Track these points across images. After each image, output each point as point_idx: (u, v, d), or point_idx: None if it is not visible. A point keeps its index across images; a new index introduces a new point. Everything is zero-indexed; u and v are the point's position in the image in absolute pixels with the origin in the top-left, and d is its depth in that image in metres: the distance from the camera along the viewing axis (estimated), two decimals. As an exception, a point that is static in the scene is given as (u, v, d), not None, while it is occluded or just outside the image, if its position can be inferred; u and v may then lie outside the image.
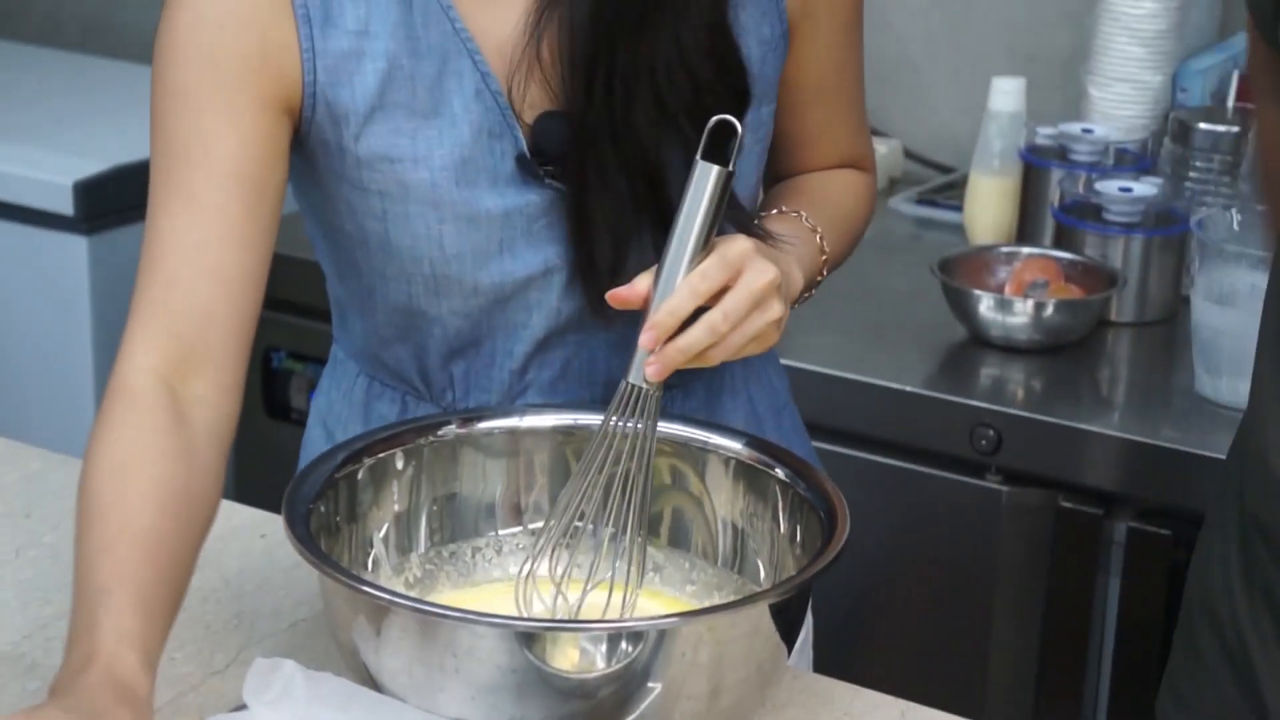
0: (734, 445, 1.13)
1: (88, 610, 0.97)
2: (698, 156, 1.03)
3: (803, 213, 1.21)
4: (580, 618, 1.05)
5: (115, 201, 2.22)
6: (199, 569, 1.18)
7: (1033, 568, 1.71)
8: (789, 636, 1.02)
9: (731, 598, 1.10)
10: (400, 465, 1.12)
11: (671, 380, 1.06)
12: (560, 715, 0.96)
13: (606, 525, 1.05)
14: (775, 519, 1.11)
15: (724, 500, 1.13)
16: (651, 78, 1.09)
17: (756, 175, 1.22)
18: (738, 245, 1.04)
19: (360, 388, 1.24)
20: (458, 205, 1.12)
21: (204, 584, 1.21)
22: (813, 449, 1.34)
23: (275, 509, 1.22)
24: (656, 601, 1.11)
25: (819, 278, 1.21)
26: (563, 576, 1.06)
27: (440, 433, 1.13)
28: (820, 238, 1.20)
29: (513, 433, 1.15)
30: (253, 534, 1.28)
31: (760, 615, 0.98)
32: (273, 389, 2.11)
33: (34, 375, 2.28)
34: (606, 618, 1.04)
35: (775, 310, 1.05)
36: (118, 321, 2.25)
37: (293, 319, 2.01)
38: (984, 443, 1.68)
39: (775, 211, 1.21)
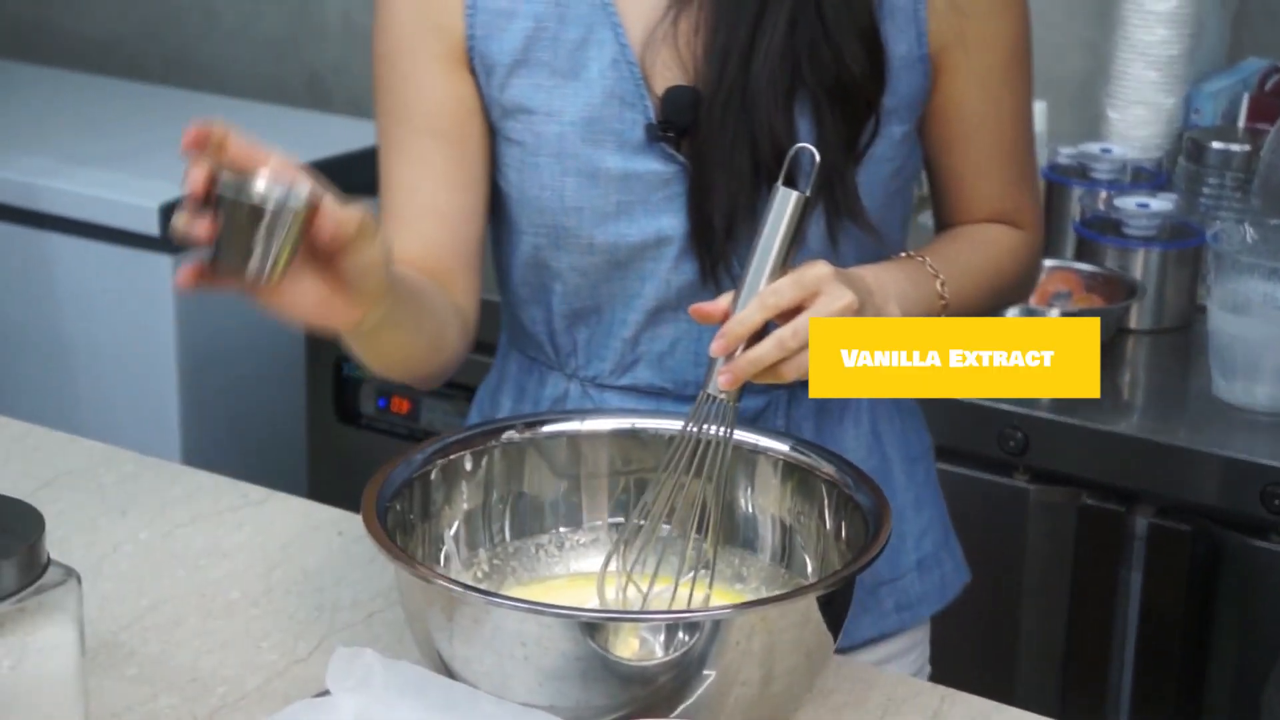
0: (781, 447, 1.12)
1: None
2: (778, 183, 1.03)
3: (926, 258, 1.15)
4: (648, 609, 1.04)
5: (197, 223, 2.25)
6: (280, 564, 1.22)
7: (1058, 562, 1.69)
8: (835, 627, 1.01)
9: (781, 591, 1.09)
10: (470, 467, 1.12)
11: (781, 387, 1.03)
12: (621, 701, 0.95)
13: (688, 529, 1.04)
14: (821, 517, 1.10)
15: (772, 499, 1.12)
16: (793, 55, 1.08)
17: (885, 196, 1.16)
18: (815, 269, 1.02)
19: (512, 362, 1.26)
20: (580, 160, 1.13)
21: (286, 578, 1.21)
22: (945, 510, 1.28)
23: (348, 508, 1.23)
24: (711, 595, 1.09)
25: None
26: (634, 571, 1.05)
27: (506, 436, 1.13)
28: (940, 284, 1.14)
29: (574, 437, 1.14)
30: (330, 531, 1.28)
31: (809, 607, 0.98)
32: (344, 396, 2.11)
33: (122, 386, 2.29)
34: (673, 609, 1.03)
35: None
36: (200, 333, 2.30)
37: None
38: (1012, 444, 1.68)
39: (903, 255, 1.16)
